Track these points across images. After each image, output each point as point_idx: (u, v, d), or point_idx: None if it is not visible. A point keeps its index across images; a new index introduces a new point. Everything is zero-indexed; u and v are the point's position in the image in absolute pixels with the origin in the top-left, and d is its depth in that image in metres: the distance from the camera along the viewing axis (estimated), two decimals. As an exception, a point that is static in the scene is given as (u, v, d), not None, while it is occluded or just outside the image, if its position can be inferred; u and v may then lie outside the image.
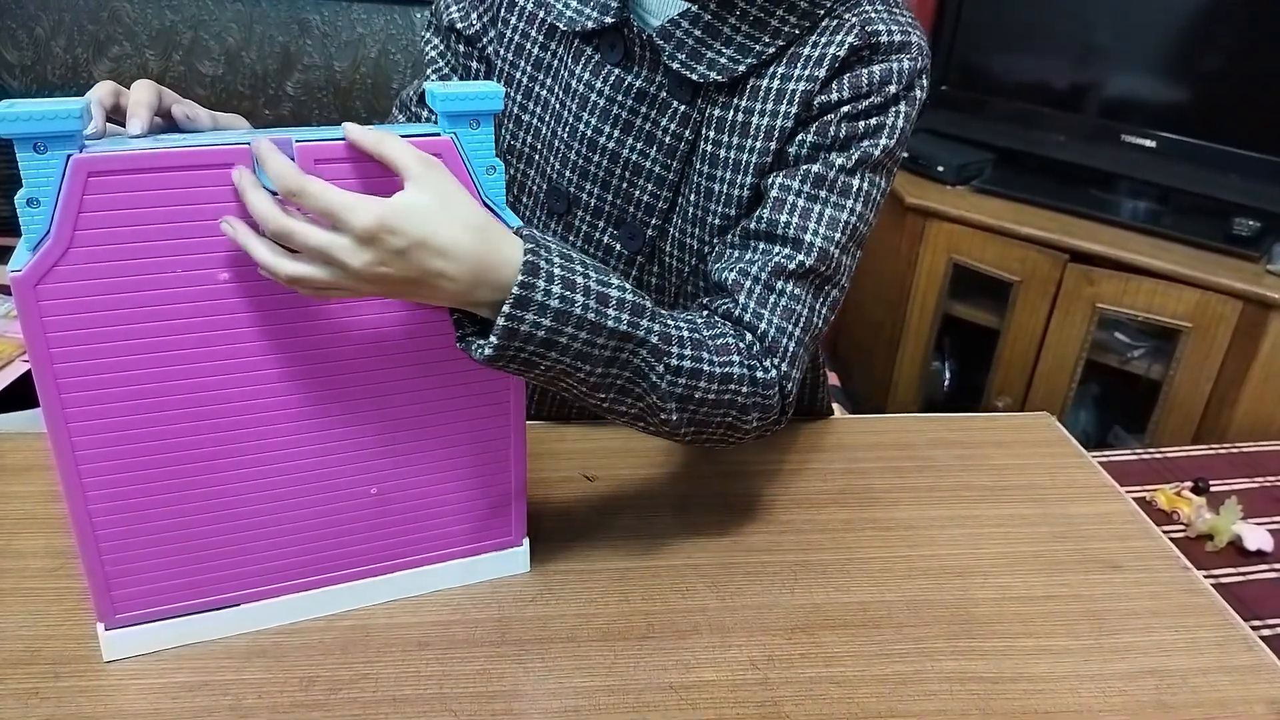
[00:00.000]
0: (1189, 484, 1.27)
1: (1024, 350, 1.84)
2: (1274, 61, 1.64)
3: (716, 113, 0.72)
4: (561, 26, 0.73)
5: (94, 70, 2.10)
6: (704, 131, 0.73)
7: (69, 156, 0.49)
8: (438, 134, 0.56)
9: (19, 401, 1.44)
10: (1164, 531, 0.81)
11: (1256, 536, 1.16)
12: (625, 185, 0.75)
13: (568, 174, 0.76)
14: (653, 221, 0.75)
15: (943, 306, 1.95)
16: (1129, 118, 1.83)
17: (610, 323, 0.57)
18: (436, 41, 0.81)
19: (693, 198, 0.74)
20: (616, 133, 0.73)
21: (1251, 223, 1.67)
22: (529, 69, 0.77)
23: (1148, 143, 1.80)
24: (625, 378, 0.60)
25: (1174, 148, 1.77)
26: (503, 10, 0.77)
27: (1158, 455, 1.39)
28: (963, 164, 1.96)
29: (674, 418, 0.63)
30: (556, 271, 0.55)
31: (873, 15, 0.71)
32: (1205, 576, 0.75)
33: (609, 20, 0.71)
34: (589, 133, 0.74)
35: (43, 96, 0.49)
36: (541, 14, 0.75)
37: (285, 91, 2.17)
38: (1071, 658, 0.66)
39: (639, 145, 0.74)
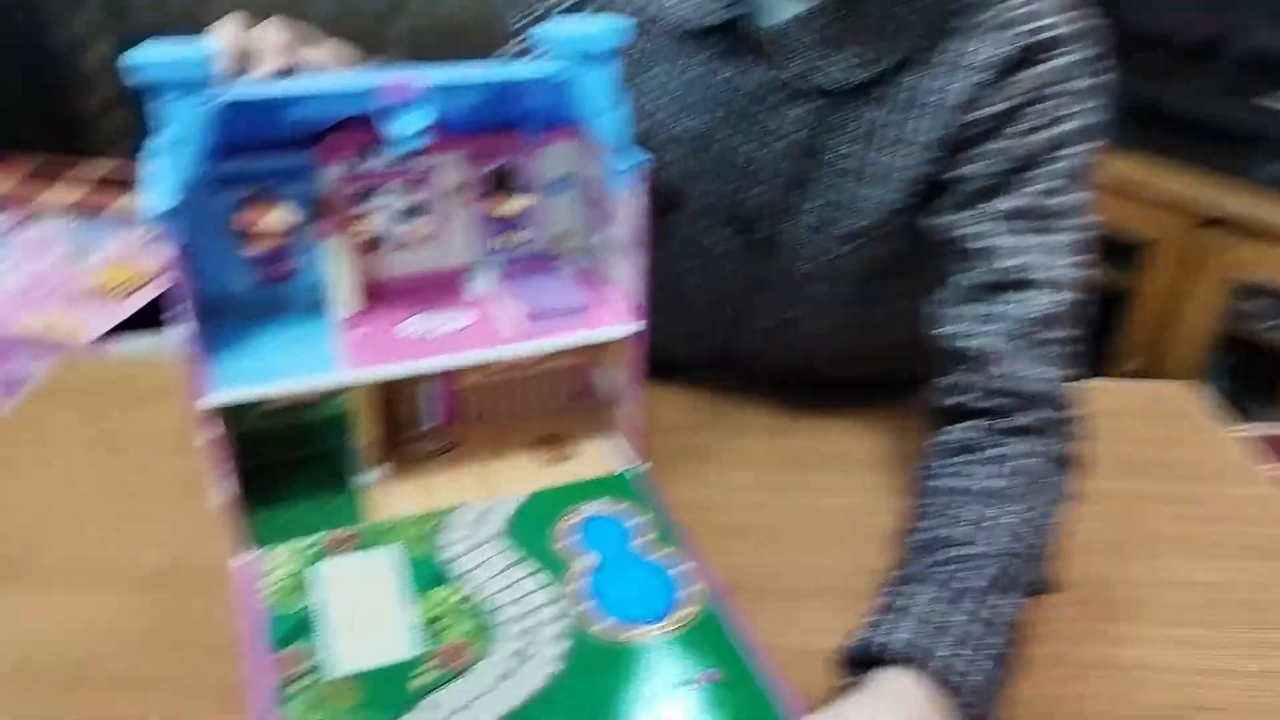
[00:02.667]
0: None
1: (1154, 316, 1.75)
2: None
3: (842, 117, 0.65)
4: (682, 24, 0.67)
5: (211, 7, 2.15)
6: (826, 137, 0.66)
7: (200, 102, 0.48)
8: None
9: (147, 326, 1.52)
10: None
11: None
12: (734, 187, 0.70)
13: (663, 175, 0.70)
14: (762, 226, 0.70)
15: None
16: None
17: (1013, 613, 0.53)
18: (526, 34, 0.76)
19: (818, 202, 0.68)
20: (728, 132, 0.68)
21: None
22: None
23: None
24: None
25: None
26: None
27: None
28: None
29: None
30: (962, 665, 0.49)
31: (1024, 11, 0.61)
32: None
33: (726, 15, 0.65)
34: (698, 128, 0.69)
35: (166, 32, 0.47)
36: (645, 2, 0.69)
37: (396, 34, 2.18)
38: (1217, 650, 0.61)
39: (752, 145, 0.68)
